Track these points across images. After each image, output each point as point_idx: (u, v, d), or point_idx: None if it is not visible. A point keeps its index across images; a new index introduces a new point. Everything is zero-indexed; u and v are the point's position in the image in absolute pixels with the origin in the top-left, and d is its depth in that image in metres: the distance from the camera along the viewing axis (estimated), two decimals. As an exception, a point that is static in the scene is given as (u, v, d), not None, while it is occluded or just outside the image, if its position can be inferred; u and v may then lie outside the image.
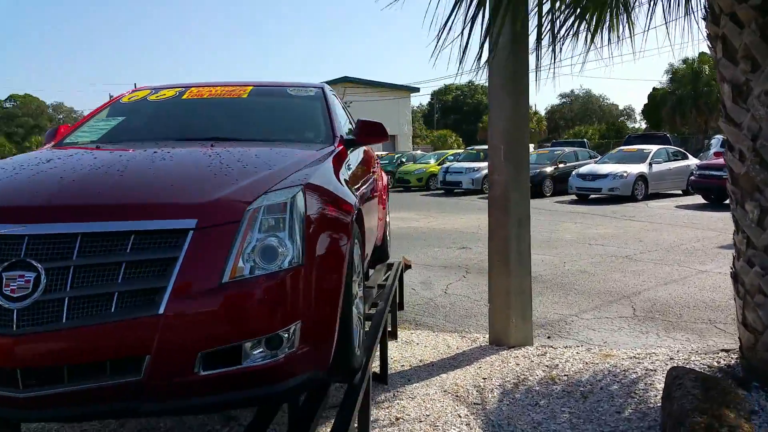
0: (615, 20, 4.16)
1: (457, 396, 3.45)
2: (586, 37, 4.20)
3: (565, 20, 4.08)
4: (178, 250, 1.89)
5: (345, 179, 2.85)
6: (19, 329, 1.77)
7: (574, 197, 16.60)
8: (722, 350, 3.95)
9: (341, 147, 3.16)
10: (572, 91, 69.25)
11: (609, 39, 4.12)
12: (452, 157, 23.55)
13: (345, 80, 33.78)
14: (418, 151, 30.68)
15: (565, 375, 3.69)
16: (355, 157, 3.48)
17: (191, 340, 1.86)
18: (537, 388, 3.51)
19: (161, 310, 1.82)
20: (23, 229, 1.86)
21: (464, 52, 3.89)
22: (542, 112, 60.11)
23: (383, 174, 5.30)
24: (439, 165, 22.58)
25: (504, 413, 3.21)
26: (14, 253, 1.83)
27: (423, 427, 3.06)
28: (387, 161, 25.98)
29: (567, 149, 20.65)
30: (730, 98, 3.41)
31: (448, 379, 3.71)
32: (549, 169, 18.17)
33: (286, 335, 2.00)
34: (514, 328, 4.28)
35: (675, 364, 3.74)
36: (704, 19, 3.60)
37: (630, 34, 4.33)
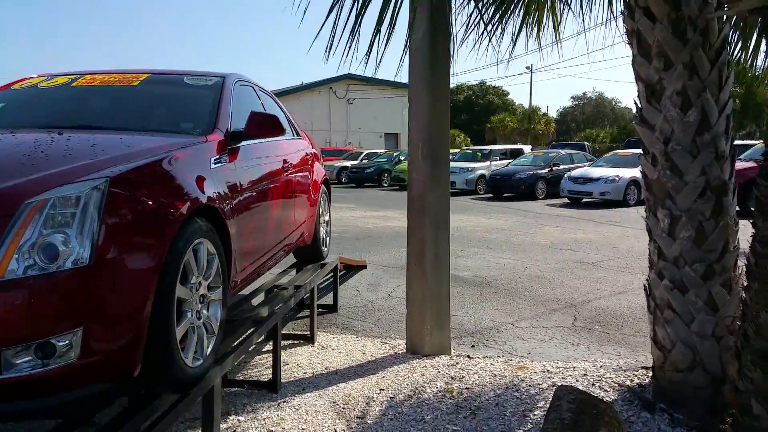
0: (543, 15, 3.94)
1: (344, 409, 3.25)
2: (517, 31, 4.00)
3: (493, 13, 3.88)
4: None
5: (209, 175, 2.66)
6: None
7: (566, 201, 16.29)
8: (643, 367, 3.71)
9: (217, 139, 2.97)
10: (584, 93, 68.45)
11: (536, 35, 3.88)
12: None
13: (349, 77, 33.44)
14: (418, 150, 30.38)
15: (466, 388, 3.48)
16: (246, 151, 3.28)
17: None
18: (430, 402, 3.29)
19: None
20: None
21: (386, 45, 3.73)
22: (553, 114, 59.43)
23: (317, 170, 5.07)
24: (435, 164, 22.29)
25: (384, 429, 3.00)
26: None
27: (291, 442, 2.87)
28: (385, 159, 25.76)
29: (563, 152, 20.29)
30: (645, 98, 3.17)
31: (343, 390, 3.51)
32: (543, 172, 17.87)
33: (63, 343, 1.81)
34: (429, 336, 4.07)
35: (588, 380, 3.52)
36: (622, 14, 3.36)
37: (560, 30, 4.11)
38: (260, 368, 3.89)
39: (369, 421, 3.09)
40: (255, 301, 3.89)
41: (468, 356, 4.08)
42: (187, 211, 2.30)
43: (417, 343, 4.11)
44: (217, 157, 2.87)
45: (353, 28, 3.39)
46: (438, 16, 3.83)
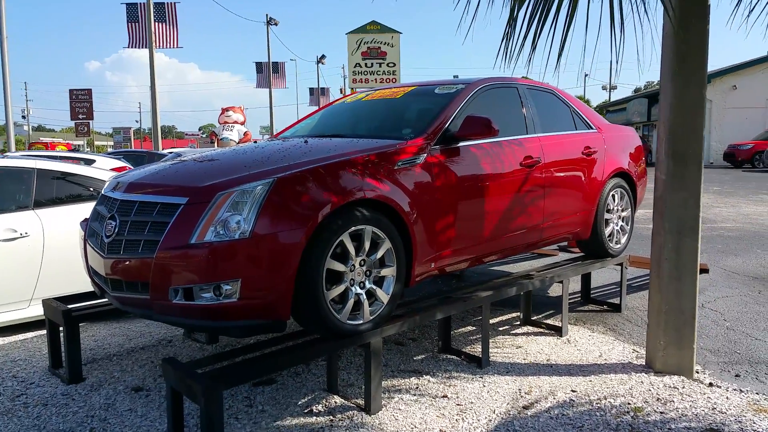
0: None
1: (520, 396, 3.42)
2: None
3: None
4: (171, 216, 2.88)
5: (389, 174, 3.26)
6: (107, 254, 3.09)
7: None
8: None
9: (417, 143, 3.50)
10: None
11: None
12: None
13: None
14: None
15: (660, 412, 3.15)
16: (461, 150, 3.67)
17: (166, 278, 2.82)
18: (604, 414, 3.15)
19: (154, 255, 2.86)
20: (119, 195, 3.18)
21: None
22: None
23: (602, 164, 4.87)
24: None
25: (536, 423, 3.09)
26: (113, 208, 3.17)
27: (451, 407, 3.26)
28: None
29: None
30: None
31: (538, 381, 3.63)
32: None
33: (227, 287, 2.76)
34: (662, 351, 3.69)
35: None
36: None
37: None
38: (505, 348, 4.24)
39: (528, 413, 3.21)
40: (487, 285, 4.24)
41: (710, 384, 3.54)
42: (341, 203, 2.96)
43: (651, 357, 3.77)
44: (409, 158, 3.42)
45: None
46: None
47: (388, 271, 3.28)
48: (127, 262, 2.97)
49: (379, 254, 3.22)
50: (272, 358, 2.92)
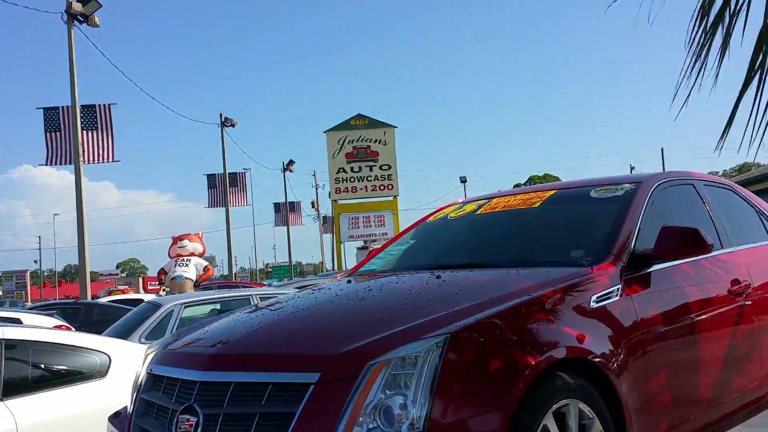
0: None
1: None
2: None
3: None
4: (296, 404, 2.49)
5: (586, 317, 3.00)
6: None
7: None
8: None
9: (607, 269, 3.27)
10: None
11: None
12: None
13: None
14: None
15: None
16: (659, 277, 3.44)
17: None
18: None
19: None
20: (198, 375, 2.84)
21: None
22: None
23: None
24: None
25: None
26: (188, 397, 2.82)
27: None
28: None
29: None
30: None
31: None
32: None
33: None
34: None
35: None
36: None
37: None
38: None
39: None
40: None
41: None
42: (542, 368, 2.65)
43: None
44: (604, 292, 3.15)
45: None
46: None
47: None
48: None
49: (592, 443, 2.87)
50: None
